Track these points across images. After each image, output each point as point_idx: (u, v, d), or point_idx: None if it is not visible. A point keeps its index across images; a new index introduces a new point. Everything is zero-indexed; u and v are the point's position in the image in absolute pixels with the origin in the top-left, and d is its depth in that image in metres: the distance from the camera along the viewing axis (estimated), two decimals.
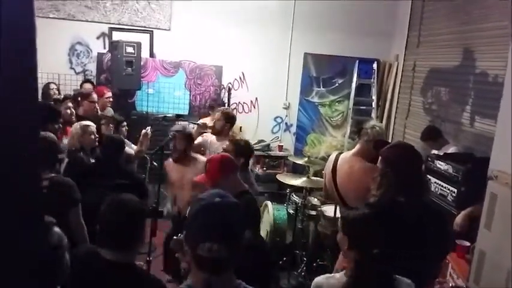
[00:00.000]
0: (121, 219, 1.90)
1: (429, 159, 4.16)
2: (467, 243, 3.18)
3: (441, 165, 3.96)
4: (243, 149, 3.56)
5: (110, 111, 5.51)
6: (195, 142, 4.22)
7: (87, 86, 5.54)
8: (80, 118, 4.25)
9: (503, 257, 2.47)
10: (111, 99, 5.44)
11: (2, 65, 0.75)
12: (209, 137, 4.43)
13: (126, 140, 4.60)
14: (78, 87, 5.66)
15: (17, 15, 0.75)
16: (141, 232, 1.99)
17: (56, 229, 1.49)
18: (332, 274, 2.01)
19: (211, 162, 2.77)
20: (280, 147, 6.51)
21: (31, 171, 0.79)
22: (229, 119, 4.42)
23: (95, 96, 4.90)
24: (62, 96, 5.01)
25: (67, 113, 4.30)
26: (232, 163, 2.79)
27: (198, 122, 4.83)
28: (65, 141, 3.85)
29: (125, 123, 4.74)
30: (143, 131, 4.29)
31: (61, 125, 3.93)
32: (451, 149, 4.44)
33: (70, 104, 4.42)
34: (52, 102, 4.69)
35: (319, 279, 1.95)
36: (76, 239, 2.50)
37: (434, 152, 4.49)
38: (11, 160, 0.75)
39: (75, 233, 2.57)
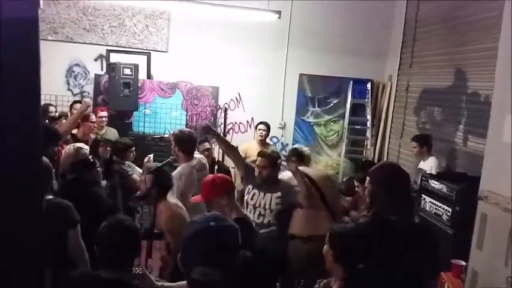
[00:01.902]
0: (118, 238, 1.97)
1: (423, 178, 4.20)
2: (463, 263, 3.18)
3: (435, 184, 4.00)
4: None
5: (113, 133, 5.51)
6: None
7: (78, 107, 5.53)
8: (77, 140, 4.25)
9: (495, 276, 2.49)
10: (105, 119, 5.47)
11: (6, 87, 0.77)
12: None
13: (132, 164, 4.61)
14: (68, 109, 5.66)
15: (22, 39, 0.78)
16: (136, 249, 2.09)
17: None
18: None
19: (204, 182, 2.76)
20: None
21: (32, 192, 0.81)
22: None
23: (93, 117, 4.93)
24: (57, 115, 5.00)
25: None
26: (226, 184, 2.71)
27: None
28: None
29: (133, 148, 4.61)
30: (145, 159, 4.27)
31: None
32: (432, 165, 4.65)
33: (64, 121, 4.43)
34: (47, 121, 4.68)
35: None
36: (76, 260, 2.51)
37: (420, 165, 4.82)
38: (12, 182, 0.78)
39: (74, 254, 2.58)
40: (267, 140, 6.03)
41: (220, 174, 3.00)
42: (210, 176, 2.87)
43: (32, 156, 0.80)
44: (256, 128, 5.97)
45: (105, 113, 5.50)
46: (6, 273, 0.79)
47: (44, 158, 2.92)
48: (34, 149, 0.81)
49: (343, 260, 1.88)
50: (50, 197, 2.68)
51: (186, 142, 3.91)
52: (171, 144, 4.12)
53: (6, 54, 0.77)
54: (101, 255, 2.00)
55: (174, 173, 3.77)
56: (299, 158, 3.78)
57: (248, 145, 5.72)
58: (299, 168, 3.46)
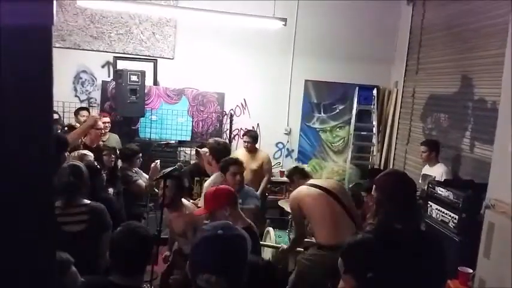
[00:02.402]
0: (132, 245, 1.99)
1: (430, 185, 4.19)
2: (470, 271, 3.17)
3: (442, 191, 3.98)
4: None
5: (115, 138, 5.55)
6: None
7: (85, 114, 5.57)
8: (86, 147, 4.29)
9: (503, 284, 2.48)
10: (108, 125, 5.47)
11: (19, 94, 0.79)
12: None
13: (138, 170, 4.63)
14: (74, 116, 5.71)
15: (37, 46, 0.78)
16: (149, 257, 2.11)
17: (73, 269, 1.53)
18: None
19: (206, 194, 2.77)
20: (282, 173, 6.52)
21: (46, 201, 0.82)
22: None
23: (100, 123, 4.97)
24: (66, 128, 5.03)
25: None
26: (228, 195, 2.71)
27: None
28: None
29: (140, 155, 4.64)
30: (152, 164, 4.29)
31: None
32: (441, 171, 4.64)
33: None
34: (59, 131, 4.75)
35: None
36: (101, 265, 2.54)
37: (426, 170, 4.82)
38: (26, 193, 0.79)
39: (102, 258, 2.59)
40: (259, 148, 5.87)
41: (222, 186, 2.98)
42: (212, 188, 2.87)
43: (44, 162, 0.81)
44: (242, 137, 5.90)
45: (107, 119, 5.52)
46: (16, 273, 0.80)
47: (80, 163, 2.96)
48: (46, 155, 0.82)
49: (352, 271, 1.88)
50: (88, 202, 2.74)
51: (221, 152, 4.00)
52: (203, 153, 4.28)
53: (20, 61, 0.78)
54: (114, 262, 2.02)
55: (208, 182, 3.90)
56: (302, 175, 3.76)
57: (237, 153, 5.64)
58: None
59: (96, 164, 3.58)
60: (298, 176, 3.72)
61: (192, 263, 1.47)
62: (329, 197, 3.40)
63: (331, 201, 3.39)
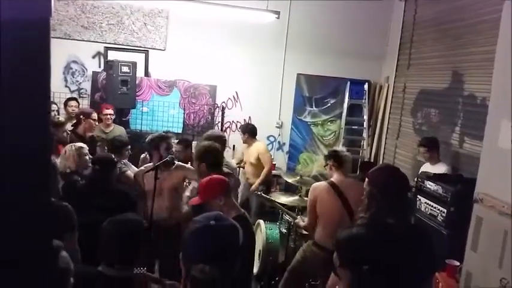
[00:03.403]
0: (121, 235, 1.99)
1: (419, 179, 4.24)
2: (457, 263, 3.22)
3: (431, 185, 4.03)
4: None
5: (121, 130, 5.42)
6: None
7: (73, 104, 5.59)
8: (80, 138, 4.26)
9: (489, 277, 2.53)
10: (110, 117, 5.38)
11: (17, 88, 0.78)
12: None
13: (127, 161, 4.62)
14: (59, 105, 5.68)
15: (34, 38, 0.78)
16: (139, 248, 2.08)
17: (64, 253, 1.53)
18: None
19: (201, 183, 2.79)
20: (273, 166, 6.55)
21: (42, 193, 0.83)
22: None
23: (95, 114, 4.97)
24: (61, 119, 4.98)
25: (64, 136, 4.35)
26: (221, 185, 2.73)
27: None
28: (57, 160, 3.82)
29: (129, 146, 4.57)
30: (142, 156, 4.28)
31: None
32: (444, 169, 4.54)
33: (67, 128, 4.46)
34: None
35: None
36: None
37: (426, 168, 4.67)
38: (21, 186, 0.79)
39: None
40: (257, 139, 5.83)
41: (215, 176, 2.99)
42: (207, 177, 2.87)
43: (41, 158, 0.81)
44: None
45: (111, 111, 5.41)
46: (14, 272, 0.80)
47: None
48: (44, 152, 0.82)
49: (347, 264, 1.90)
50: (53, 199, 2.67)
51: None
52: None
53: (17, 53, 0.78)
54: (103, 252, 2.01)
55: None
56: (337, 162, 3.54)
57: (238, 149, 5.67)
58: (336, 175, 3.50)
59: (112, 156, 3.62)
60: (332, 162, 3.56)
61: (185, 254, 1.48)
62: (342, 206, 3.39)
63: (342, 211, 3.39)
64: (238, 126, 6.58)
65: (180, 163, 3.84)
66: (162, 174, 3.56)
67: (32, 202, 0.80)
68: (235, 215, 2.60)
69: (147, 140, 3.77)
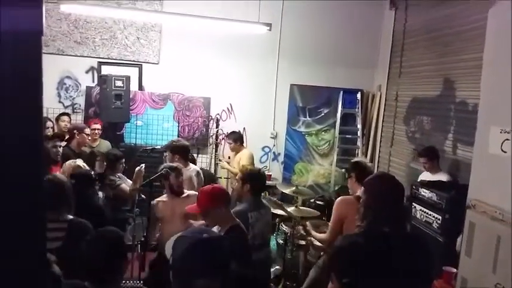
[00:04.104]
0: (99, 251, 1.96)
1: (414, 187, 4.25)
2: (454, 270, 3.22)
3: (425, 193, 4.05)
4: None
5: (106, 145, 5.53)
6: None
7: (65, 119, 5.61)
8: (73, 153, 4.26)
9: (484, 283, 2.53)
10: (98, 132, 5.51)
11: (8, 103, 0.79)
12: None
13: (121, 175, 4.63)
14: (54, 121, 5.69)
15: (26, 52, 0.79)
16: (121, 263, 2.04)
17: (56, 268, 1.53)
18: None
19: (202, 192, 2.79)
20: (269, 177, 6.55)
21: (36, 209, 0.83)
22: (179, 148, 4.57)
23: (88, 129, 5.00)
24: (51, 134, 4.99)
25: (53, 151, 4.32)
26: (223, 195, 2.76)
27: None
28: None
29: (123, 160, 4.68)
30: (137, 168, 4.29)
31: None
32: (445, 179, 4.50)
33: (58, 143, 4.44)
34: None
35: None
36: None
37: (425, 177, 4.63)
38: (15, 200, 0.79)
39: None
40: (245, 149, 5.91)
41: (217, 185, 3.03)
42: (209, 186, 2.89)
43: (33, 172, 0.82)
44: None
45: (98, 126, 5.53)
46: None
47: (61, 175, 2.90)
48: (35, 165, 0.83)
49: (335, 273, 1.89)
50: (71, 217, 2.63)
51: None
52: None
53: (9, 66, 0.79)
54: (87, 268, 1.97)
55: None
56: (362, 173, 3.17)
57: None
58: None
59: (91, 173, 3.61)
60: (354, 173, 3.34)
61: (181, 270, 1.47)
62: None
63: None
64: None
65: (193, 192, 3.84)
66: (174, 201, 3.67)
67: (23, 217, 0.80)
68: (231, 225, 2.62)
69: (159, 169, 3.77)
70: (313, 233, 3.74)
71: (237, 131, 6.12)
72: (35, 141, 0.81)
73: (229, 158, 6.46)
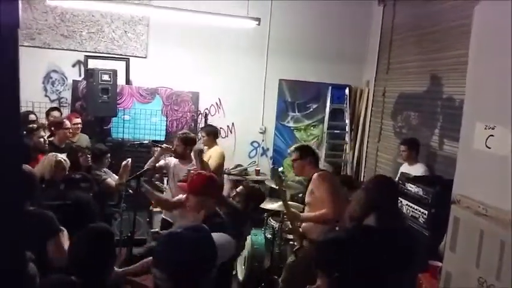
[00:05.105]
0: (87, 246, 1.98)
1: (400, 182, 4.29)
2: (440, 264, 3.26)
3: (412, 187, 4.09)
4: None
5: (85, 139, 5.49)
6: (157, 164, 4.52)
7: (56, 114, 5.51)
8: (56, 148, 4.22)
9: (468, 277, 2.57)
10: (79, 126, 5.46)
11: None
12: (172, 160, 4.56)
13: (107, 169, 4.60)
14: (44, 116, 5.62)
15: (2, 46, 0.78)
16: (110, 259, 2.06)
17: (32, 265, 1.52)
18: None
19: (198, 175, 2.85)
20: (258, 172, 6.57)
21: (13, 204, 0.82)
22: (188, 141, 4.51)
23: (67, 123, 4.94)
24: (35, 126, 4.94)
25: (40, 141, 4.30)
26: (216, 184, 2.84)
27: (162, 146, 4.84)
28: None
29: (108, 155, 4.66)
30: (123, 162, 4.27)
31: (32, 155, 3.91)
32: (421, 171, 4.63)
33: (43, 133, 4.40)
34: (25, 132, 4.64)
35: None
36: (55, 265, 2.50)
37: (404, 168, 4.80)
38: None
39: (54, 260, 2.56)
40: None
41: (211, 174, 3.11)
42: (204, 173, 2.94)
43: (12, 165, 0.81)
44: None
45: (79, 120, 5.48)
46: None
47: (27, 167, 2.88)
48: (14, 159, 0.81)
49: (322, 268, 1.90)
50: (32, 208, 2.63)
51: None
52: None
53: None
54: (73, 263, 1.99)
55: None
56: (314, 155, 3.81)
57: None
58: None
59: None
60: (310, 156, 3.78)
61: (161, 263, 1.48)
62: None
63: None
64: (222, 132, 6.58)
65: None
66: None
67: (4, 210, 0.79)
68: (213, 212, 2.67)
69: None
70: (306, 214, 3.74)
71: (214, 125, 5.88)
72: (12, 135, 0.80)
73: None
